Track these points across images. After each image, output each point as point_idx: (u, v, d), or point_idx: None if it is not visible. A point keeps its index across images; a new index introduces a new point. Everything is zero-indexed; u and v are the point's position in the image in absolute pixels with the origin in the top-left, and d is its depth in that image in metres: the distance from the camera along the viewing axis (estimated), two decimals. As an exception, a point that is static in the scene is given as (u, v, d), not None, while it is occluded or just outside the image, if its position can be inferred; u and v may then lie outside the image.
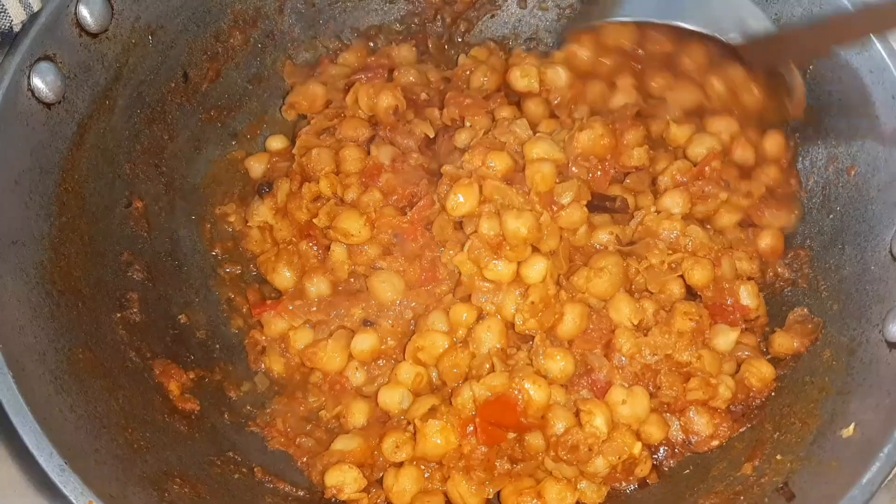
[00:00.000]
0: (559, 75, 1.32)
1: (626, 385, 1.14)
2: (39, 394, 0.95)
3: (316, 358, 1.21)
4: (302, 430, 1.21)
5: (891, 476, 0.95)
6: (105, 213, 1.18)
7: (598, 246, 1.21)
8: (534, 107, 1.33)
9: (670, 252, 1.19)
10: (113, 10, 1.14)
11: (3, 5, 1.03)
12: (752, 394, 1.16)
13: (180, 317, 1.24)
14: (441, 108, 1.33)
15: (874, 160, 1.13)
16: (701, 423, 1.14)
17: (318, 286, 1.24)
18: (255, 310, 1.28)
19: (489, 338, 1.16)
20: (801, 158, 1.24)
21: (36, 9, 1.05)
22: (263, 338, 1.27)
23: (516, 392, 1.11)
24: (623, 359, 1.14)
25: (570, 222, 1.19)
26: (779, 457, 1.06)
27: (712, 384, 1.14)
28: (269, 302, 1.28)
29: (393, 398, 1.17)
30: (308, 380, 1.25)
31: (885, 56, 1.12)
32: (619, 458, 1.09)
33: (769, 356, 1.19)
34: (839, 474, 0.96)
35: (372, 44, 1.44)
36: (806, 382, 1.13)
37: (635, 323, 1.15)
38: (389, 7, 1.44)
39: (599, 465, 1.09)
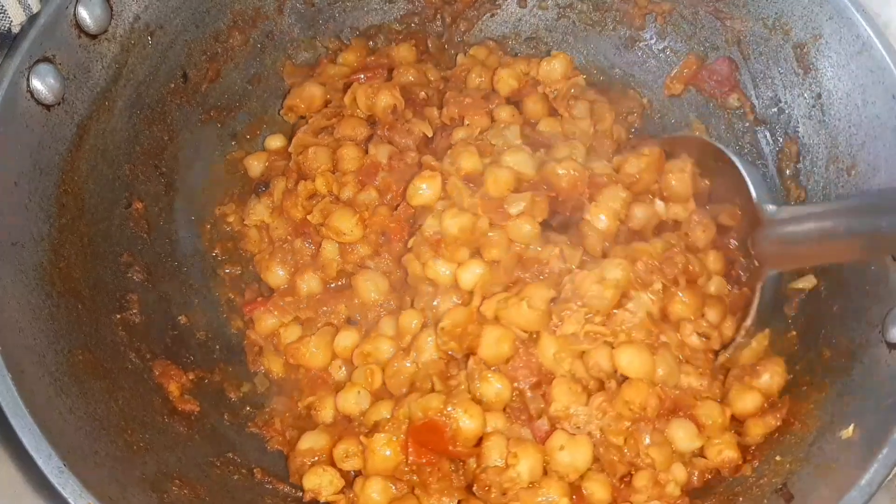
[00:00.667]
0: (553, 69, 1.32)
1: (571, 431, 1.07)
2: (39, 395, 0.95)
3: (299, 354, 1.21)
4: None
5: (890, 476, 0.95)
6: (105, 215, 1.18)
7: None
8: (532, 105, 1.33)
9: (594, 321, 1.08)
10: (112, 10, 1.14)
11: (3, 6, 1.02)
12: (720, 472, 1.10)
13: (180, 318, 1.24)
14: (440, 108, 1.33)
15: (875, 160, 1.13)
16: None
17: (308, 283, 1.24)
18: (247, 307, 1.28)
19: (429, 346, 1.13)
20: (801, 158, 1.24)
21: (35, 10, 1.04)
22: (257, 337, 1.27)
23: (446, 419, 1.07)
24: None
25: (519, 235, 1.15)
26: (778, 458, 1.06)
27: (660, 482, 1.05)
28: (259, 299, 1.28)
29: (348, 400, 1.15)
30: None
31: (886, 56, 1.11)
32: None
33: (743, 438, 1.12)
34: (838, 475, 0.96)
35: (372, 43, 1.44)
36: (805, 383, 1.12)
37: (565, 370, 1.08)
38: (389, 7, 1.44)
39: None
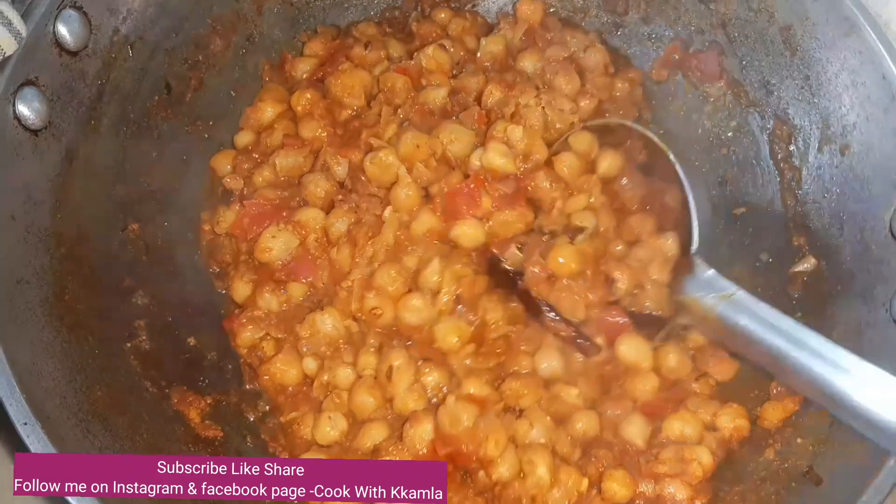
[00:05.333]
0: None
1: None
2: (69, 440, 0.93)
3: (270, 374, 1.19)
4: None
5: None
6: (102, 239, 1.15)
7: None
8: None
9: None
10: (91, 25, 1.10)
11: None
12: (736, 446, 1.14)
13: (189, 339, 1.21)
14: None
15: (868, 140, 1.15)
16: (676, 486, 1.09)
17: (268, 302, 1.22)
18: (226, 321, 1.25)
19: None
20: (793, 140, 1.26)
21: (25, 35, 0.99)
22: (244, 353, 1.23)
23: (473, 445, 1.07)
24: None
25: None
26: (799, 440, 1.08)
27: (685, 459, 1.09)
28: (236, 311, 1.25)
29: (324, 429, 1.14)
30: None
31: (874, 37, 1.13)
32: (570, 500, 1.07)
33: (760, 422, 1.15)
34: (864, 454, 0.97)
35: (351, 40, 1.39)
36: (816, 364, 1.15)
37: None
38: (369, 2, 1.41)
39: None
